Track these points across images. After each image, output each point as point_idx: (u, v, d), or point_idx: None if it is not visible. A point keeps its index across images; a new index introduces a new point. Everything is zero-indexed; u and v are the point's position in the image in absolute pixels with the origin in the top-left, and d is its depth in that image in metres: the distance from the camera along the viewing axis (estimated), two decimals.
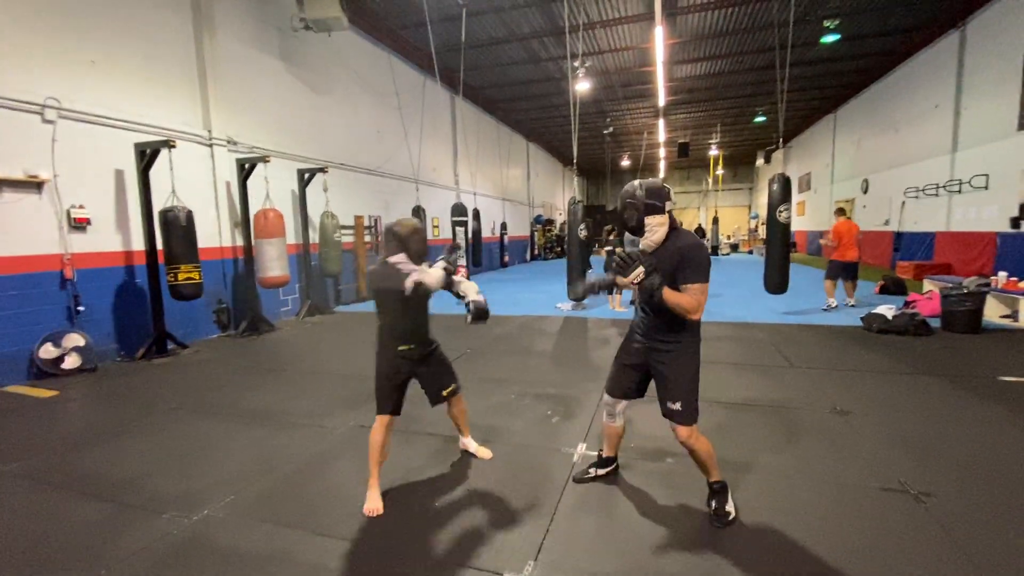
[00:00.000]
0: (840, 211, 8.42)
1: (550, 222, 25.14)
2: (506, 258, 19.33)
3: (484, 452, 3.23)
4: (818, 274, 11.31)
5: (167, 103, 6.61)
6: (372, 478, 2.71)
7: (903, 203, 13.74)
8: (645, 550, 2.25)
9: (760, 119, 20.47)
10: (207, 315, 7.20)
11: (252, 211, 7.36)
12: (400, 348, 2.75)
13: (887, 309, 6.52)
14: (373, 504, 2.63)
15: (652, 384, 2.56)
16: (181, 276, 5.86)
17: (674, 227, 2.35)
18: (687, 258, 2.25)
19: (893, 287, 9.66)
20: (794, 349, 5.79)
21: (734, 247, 27.33)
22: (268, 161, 7.19)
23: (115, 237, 6.01)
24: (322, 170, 8.44)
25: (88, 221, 5.65)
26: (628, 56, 13.50)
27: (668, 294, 2.21)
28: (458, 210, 9.59)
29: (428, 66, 12.00)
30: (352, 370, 5.36)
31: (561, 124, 20.69)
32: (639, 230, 2.34)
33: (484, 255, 16.98)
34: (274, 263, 7.11)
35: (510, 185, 20.50)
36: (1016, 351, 5.50)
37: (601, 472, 2.86)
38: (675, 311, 2.25)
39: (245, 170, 7.24)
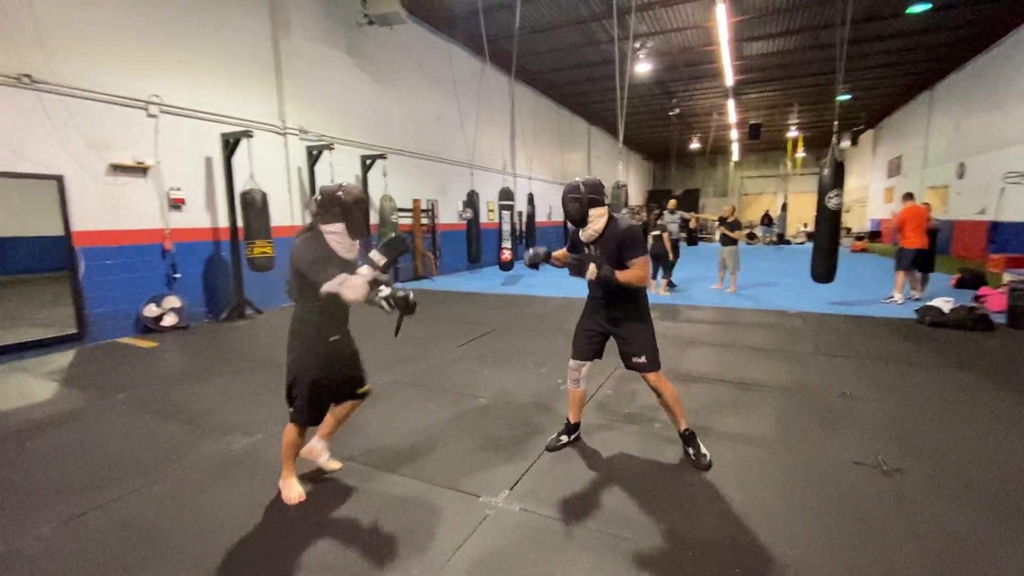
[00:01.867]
0: (908, 196, 7.90)
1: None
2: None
3: (333, 464, 2.81)
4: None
5: (247, 97, 7.48)
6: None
7: (1002, 189, 12.42)
8: (615, 490, 2.57)
9: (844, 97, 19.00)
10: (282, 286, 8.13)
11: None
12: (332, 339, 2.43)
13: (944, 302, 6.18)
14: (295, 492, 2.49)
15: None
16: (256, 250, 6.72)
17: (612, 217, 2.75)
18: (626, 239, 2.67)
19: (971, 281, 8.93)
20: (829, 338, 5.69)
21: (811, 236, 25.63)
22: (333, 148, 7.93)
23: (204, 215, 6.97)
24: (382, 156, 9.12)
25: (183, 201, 6.61)
26: (691, 35, 13.10)
27: (620, 276, 2.62)
28: (505, 194, 9.97)
29: (484, 53, 12.41)
30: (393, 337, 5.96)
31: (625, 107, 20.35)
32: (583, 221, 2.75)
33: (541, 240, 17.32)
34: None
35: (569, 169, 20.55)
36: None
37: (569, 439, 3.15)
38: (628, 286, 2.65)
39: (313, 156, 8.03)
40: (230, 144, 6.75)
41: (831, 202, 7.08)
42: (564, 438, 3.13)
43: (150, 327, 6.22)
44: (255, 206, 6.68)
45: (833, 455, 2.94)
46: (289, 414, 2.49)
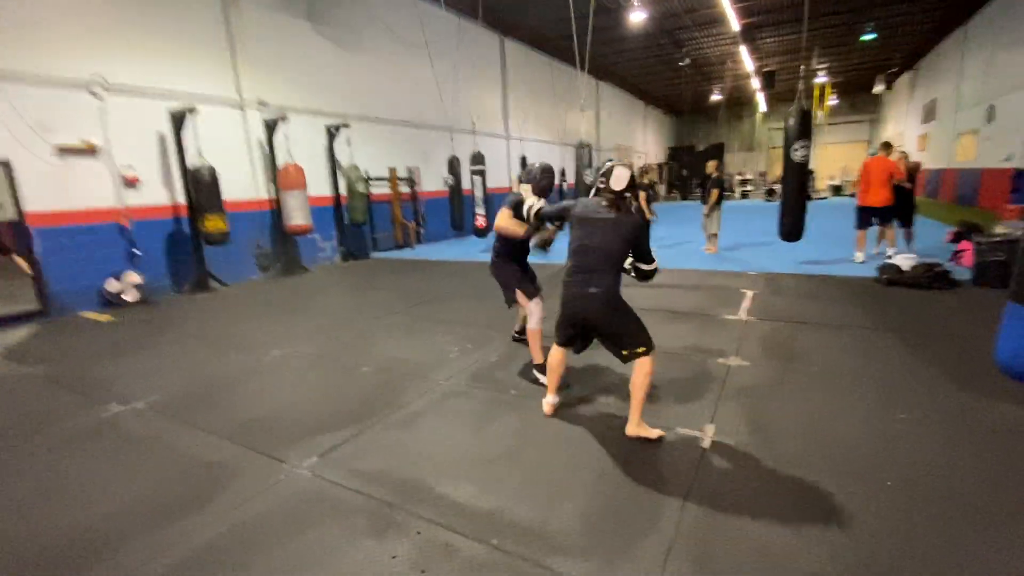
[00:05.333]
0: (885, 145, 7.31)
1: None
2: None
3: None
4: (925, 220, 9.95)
5: (199, 71, 7.54)
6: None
7: None
8: (424, 461, 2.61)
9: (868, 36, 17.47)
10: (250, 259, 8.39)
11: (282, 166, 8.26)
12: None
13: (904, 259, 5.79)
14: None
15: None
16: (209, 225, 6.91)
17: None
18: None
19: (966, 234, 8.26)
20: (769, 300, 5.47)
21: (837, 189, 24.20)
22: (286, 119, 7.95)
23: (162, 192, 7.19)
24: (345, 125, 9.08)
25: (138, 179, 6.83)
26: None
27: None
28: (476, 159, 9.79)
29: (466, 9, 11.97)
30: (337, 306, 6.11)
31: (636, 60, 19.37)
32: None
33: None
34: (296, 213, 8.01)
35: (572, 128, 19.91)
36: None
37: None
38: None
39: (271, 129, 8.08)
40: (177, 120, 6.86)
41: (796, 154, 6.64)
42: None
43: (112, 301, 6.57)
44: (203, 181, 6.83)
45: (668, 426, 2.86)
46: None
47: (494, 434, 2.87)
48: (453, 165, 11.24)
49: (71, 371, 4.25)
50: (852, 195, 22.87)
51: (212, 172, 6.92)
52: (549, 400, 3.08)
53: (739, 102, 28.93)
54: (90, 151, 6.39)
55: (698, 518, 2.08)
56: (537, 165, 3.64)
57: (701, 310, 5.18)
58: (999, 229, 7.35)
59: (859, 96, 28.50)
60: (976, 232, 8.09)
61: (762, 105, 29.02)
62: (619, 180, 2.69)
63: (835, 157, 28.05)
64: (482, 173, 9.85)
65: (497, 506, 2.20)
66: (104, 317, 6.15)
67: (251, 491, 2.38)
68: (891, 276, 5.68)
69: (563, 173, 18.73)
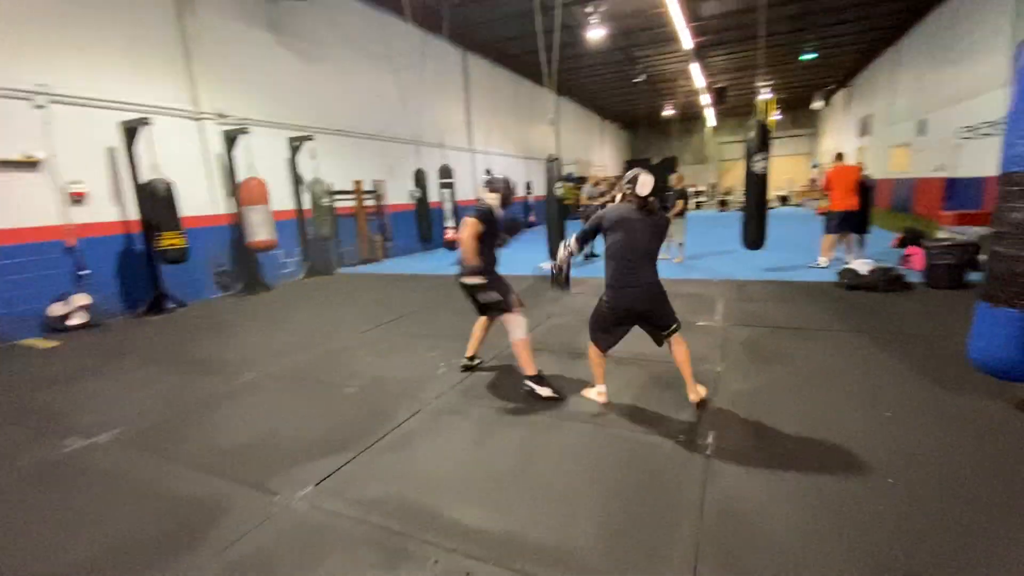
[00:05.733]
0: (839, 156, 7.74)
1: (582, 179, 24.55)
2: (532, 218, 19.25)
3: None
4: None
5: (154, 81, 7.16)
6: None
7: (956, 145, 12.26)
8: (425, 482, 2.50)
9: (808, 56, 18.60)
10: (209, 277, 7.96)
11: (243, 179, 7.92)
12: None
13: (863, 264, 6.11)
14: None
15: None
16: (165, 242, 6.52)
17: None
18: None
19: (912, 240, 8.84)
20: (740, 306, 5.63)
21: (783, 199, 25.47)
22: (248, 132, 7.65)
23: (112, 208, 6.75)
24: (309, 138, 8.84)
25: (84, 195, 6.38)
26: None
27: None
28: (444, 172, 9.73)
29: (428, 24, 11.96)
30: (306, 324, 5.87)
31: (595, 76, 19.86)
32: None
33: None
34: (260, 228, 7.68)
35: (535, 143, 20.15)
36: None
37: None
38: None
39: (230, 141, 7.76)
40: (130, 133, 6.48)
41: (757, 166, 6.94)
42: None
43: (57, 327, 6.07)
44: (159, 196, 6.46)
45: (661, 433, 2.87)
46: None
47: (496, 452, 2.79)
48: (419, 178, 11.15)
49: (16, 404, 3.87)
50: (798, 205, 24.19)
51: (168, 187, 6.55)
52: (601, 390, 3.32)
53: (690, 117, 30.14)
54: (32, 165, 5.93)
55: (718, 525, 2.07)
56: (500, 176, 3.92)
57: (689, 319, 5.25)
58: (941, 235, 7.91)
59: (800, 111, 30.27)
60: (920, 238, 8.66)
61: (711, 120, 30.35)
62: (644, 186, 3.03)
63: (781, 169, 29.50)
64: (451, 186, 9.79)
65: (512, 528, 2.12)
66: (47, 343, 5.67)
67: (244, 527, 2.20)
68: (851, 280, 5.97)
69: (528, 186, 18.91)
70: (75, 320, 6.16)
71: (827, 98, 24.07)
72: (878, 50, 18.61)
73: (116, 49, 6.74)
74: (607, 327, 3.16)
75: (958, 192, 12.27)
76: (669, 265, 8.60)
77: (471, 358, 4.11)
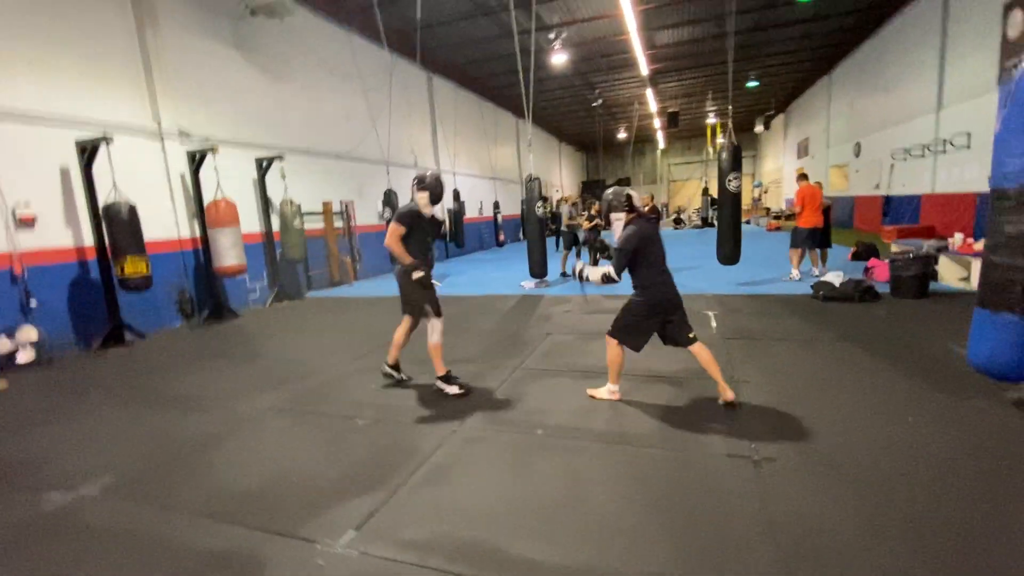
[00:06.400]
0: (802, 176, 8.21)
1: (544, 199, 24.90)
2: (502, 237, 19.29)
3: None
4: None
5: (112, 98, 6.70)
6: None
7: (892, 165, 13.34)
8: (475, 516, 2.35)
9: (752, 84, 19.86)
10: (170, 305, 7.42)
11: (209, 201, 7.48)
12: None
13: (835, 276, 6.44)
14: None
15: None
16: (128, 269, 6.03)
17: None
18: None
19: (865, 253, 9.46)
20: (729, 320, 5.79)
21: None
22: (216, 151, 7.27)
23: (65, 233, 6.19)
24: (279, 157, 8.51)
25: (33, 219, 5.83)
26: (602, 25, 13.16)
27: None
28: None
29: (395, 46, 11.90)
30: (286, 354, 5.53)
31: (553, 99, 20.35)
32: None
33: (472, 236, 17.01)
34: (229, 252, 7.26)
35: (500, 163, 20.33)
36: (949, 314, 5.41)
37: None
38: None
39: (196, 161, 7.35)
40: (87, 152, 6.00)
41: (731, 185, 7.25)
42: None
43: (1, 365, 5.44)
44: (120, 220, 5.99)
45: (708, 450, 2.87)
46: None
47: (539, 480, 2.68)
48: (389, 198, 10.94)
49: None
50: (747, 222, 25.50)
51: (132, 209, 6.09)
52: (614, 388, 3.61)
53: (642, 139, 31.35)
54: None
55: (794, 540, 2.05)
56: (429, 174, 4.02)
57: None
58: (894, 248, 8.49)
59: (742, 135, 32.13)
60: (872, 251, 9.28)
61: (661, 142, 31.72)
62: (638, 199, 3.54)
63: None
64: None
65: (584, 562, 2.02)
66: None
67: None
68: (826, 292, 6.27)
69: (497, 205, 18.97)
70: (23, 357, 5.55)
71: (767, 123, 25.69)
72: (812, 79, 20.14)
73: (71, 63, 6.28)
74: (641, 326, 3.46)
75: (894, 208, 13.31)
76: None
77: (392, 366, 4.28)
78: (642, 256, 3.36)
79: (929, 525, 2.10)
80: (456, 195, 14.92)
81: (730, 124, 7.93)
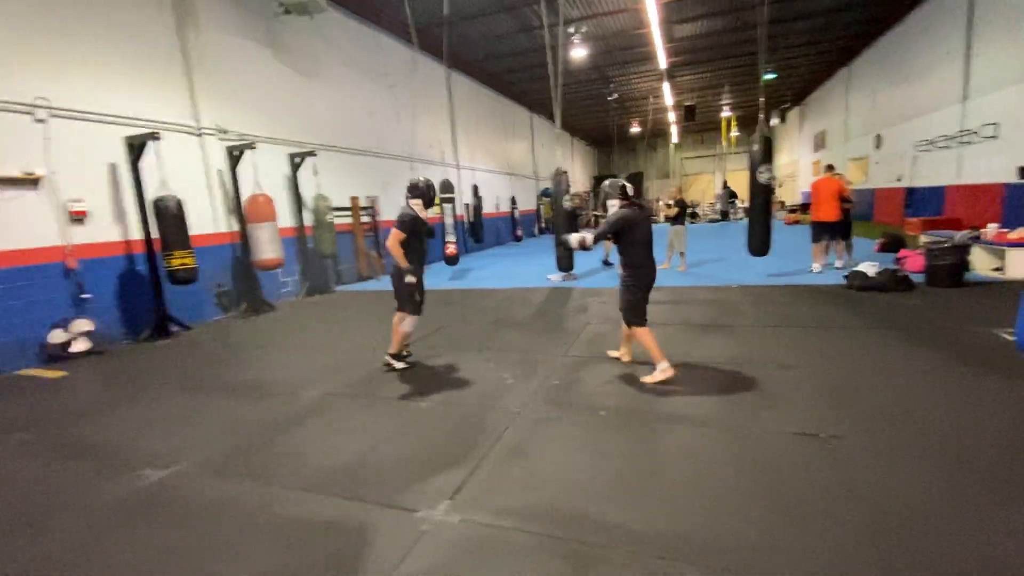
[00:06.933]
0: (829, 168, 8.22)
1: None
2: (519, 231, 19.38)
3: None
4: None
5: (155, 96, 6.86)
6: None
7: (915, 157, 13.27)
8: (560, 487, 2.46)
9: (769, 76, 19.74)
10: (209, 298, 7.60)
11: (245, 196, 7.65)
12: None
13: (870, 266, 6.48)
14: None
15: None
16: (175, 262, 6.20)
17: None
18: None
19: (893, 244, 9.46)
20: (765, 309, 5.86)
21: (748, 211, 26.68)
22: (255, 147, 7.42)
23: (114, 228, 6.37)
24: (311, 154, 8.66)
25: (86, 214, 6.00)
26: (623, 19, 13.19)
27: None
28: (446, 187, 9.70)
29: (418, 42, 12.01)
30: (332, 344, 5.68)
31: (563, 93, 20.34)
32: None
33: (490, 231, 17.10)
34: (267, 246, 7.41)
35: (514, 159, 20.41)
36: (987, 302, 5.45)
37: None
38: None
39: (234, 157, 7.50)
40: (135, 148, 6.16)
41: (762, 177, 7.29)
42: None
43: (57, 355, 5.63)
44: (169, 214, 6.15)
45: (775, 428, 2.96)
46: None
47: (613, 455, 2.78)
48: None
49: (60, 438, 3.56)
50: None
51: (179, 204, 6.26)
52: (665, 366, 3.79)
53: (655, 134, 31.27)
54: (31, 182, 5.55)
55: (876, 504, 2.14)
56: (422, 180, 4.41)
57: (718, 321, 5.42)
58: (924, 239, 8.49)
59: (755, 128, 31.87)
60: (900, 242, 9.29)
61: (675, 137, 31.59)
62: (631, 189, 3.97)
63: (740, 183, 30.90)
64: (452, 201, 9.76)
65: (682, 528, 2.12)
66: (54, 373, 5.25)
67: (401, 547, 2.11)
68: (861, 282, 6.32)
69: (513, 201, 19.06)
70: (77, 347, 5.74)
71: (783, 116, 25.55)
72: (830, 71, 19.99)
73: (117, 63, 6.44)
74: (643, 301, 3.92)
75: (916, 200, 13.24)
76: (674, 274, 8.83)
77: (396, 355, 4.57)
78: (629, 236, 3.84)
79: (1007, 491, 2.19)
80: (475, 191, 15.01)
81: (761, 116, 7.95)
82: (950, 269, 6.07)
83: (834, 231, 7.98)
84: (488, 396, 3.76)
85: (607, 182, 4.06)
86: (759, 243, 7.66)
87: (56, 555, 2.23)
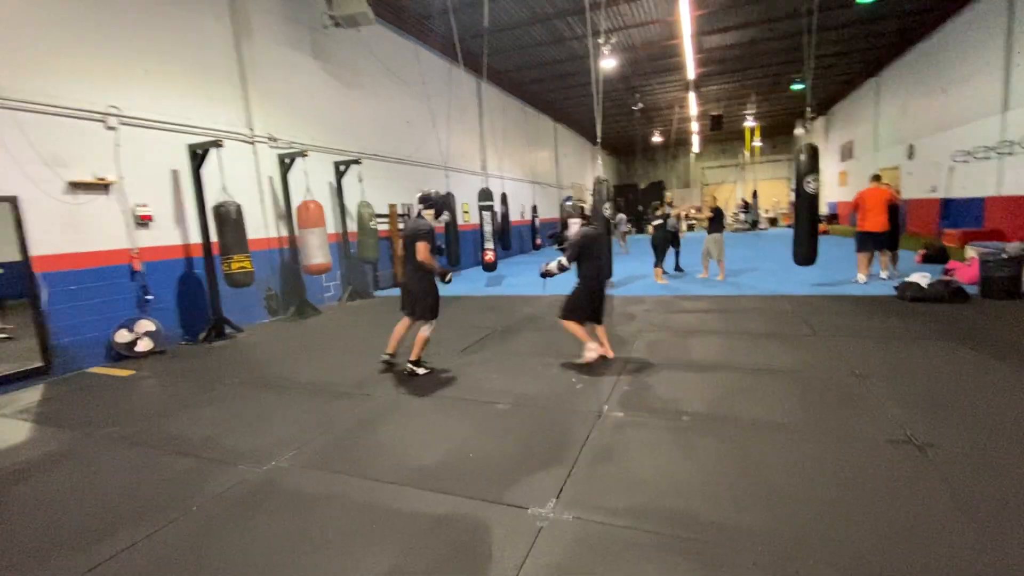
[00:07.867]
0: (875, 177, 8.17)
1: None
2: (538, 241, 19.48)
3: None
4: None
5: (212, 105, 7.10)
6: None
7: (951, 168, 13.11)
8: (659, 488, 2.50)
9: (798, 86, 19.67)
10: (258, 302, 7.77)
11: (294, 203, 7.84)
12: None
13: (922, 277, 6.42)
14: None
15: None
16: (235, 266, 6.38)
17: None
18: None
19: (936, 255, 9.36)
20: (820, 318, 5.83)
21: (773, 221, 26.51)
22: (306, 155, 7.62)
23: (174, 231, 6.57)
24: (356, 161, 8.85)
25: (150, 218, 6.21)
26: (654, 30, 13.29)
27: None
28: (484, 195, 9.84)
29: (452, 53, 12.23)
30: (384, 346, 5.77)
31: (588, 103, 20.49)
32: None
33: (514, 239, 17.22)
34: (317, 251, 7.58)
35: (538, 167, 20.56)
36: None
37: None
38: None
39: (285, 165, 7.71)
40: (198, 155, 6.38)
41: (809, 187, 7.28)
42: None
43: (123, 354, 5.81)
44: (229, 219, 6.34)
45: (864, 434, 2.97)
46: None
47: (705, 459, 2.81)
48: (448, 201, 11.20)
49: (154, 432, 3.68)
50: (789, 226, 25.20)
51: (239, 209, 6.45)
52: (591, 345, 4.55)
53: (676, 143, 31.27)
54: (103, 187, 5.77)
55: (988, 514, 2.14)
56: (434, 192, 4.66)
57: (776, 331, 5.42)
58: (971, 252, 8.38)
59: (778, 138, 31.77)
60: (943, 253, 9.18)
61: (696, 146, 31.53)
62: (588, 210, 4.29)
63: (765, 192, 30.74)
64: (491, 208, 9.88)
65: (804, 533, 2.13)
66: (122, 371, 5.42)
67: (523, 543, 2.16)
68: (913, 293, 6.26)
69: (535, 209, 19.19)
70: (141, 347, 5.92)
71: (806, 125, 25.37)
72: (858, 81, 19.87)
73: (179, 73, 6.69)
74: (587, 306, 4.54)
75: (952, 211, 13.07)
76: (714, 283, 8.80)
77: (392, 355, 4.81)
78: (586, 252, 4.45)
79: None
80: (504, 199, 15.13)
81: (807, 126, 7.95)
82: (1007, 281, 6.00)
83: (881, 242, 7.92)
84: (561, 399, 3.82)
85: (568, 203, 4.64)
86: (806, 253, 7.64)
87: (175, 548, 2.32)
